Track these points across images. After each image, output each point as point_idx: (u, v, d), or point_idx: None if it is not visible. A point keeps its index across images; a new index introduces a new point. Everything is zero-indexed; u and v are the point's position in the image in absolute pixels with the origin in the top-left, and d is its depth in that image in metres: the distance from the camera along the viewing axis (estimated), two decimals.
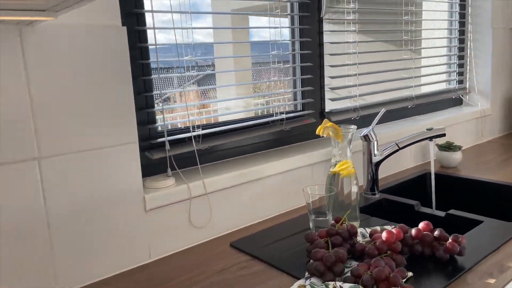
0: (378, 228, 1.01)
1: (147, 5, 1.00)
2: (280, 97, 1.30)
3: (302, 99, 1.38)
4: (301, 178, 1.24)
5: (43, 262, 0.82)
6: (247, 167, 1.13)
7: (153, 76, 1.03)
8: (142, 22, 1.00)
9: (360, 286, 0.74)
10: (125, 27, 0.88)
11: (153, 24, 0.98)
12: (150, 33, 1.01)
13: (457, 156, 1.58)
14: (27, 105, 0.78)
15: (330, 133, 1.05)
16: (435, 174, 1.38)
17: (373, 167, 1.27)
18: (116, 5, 0.87)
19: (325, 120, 1.07)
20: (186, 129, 1.10)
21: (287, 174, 1.21)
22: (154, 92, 1.03)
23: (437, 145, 1.60)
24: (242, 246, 1.00)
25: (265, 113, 1.32)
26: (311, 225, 1.02)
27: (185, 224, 1.02)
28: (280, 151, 1.28)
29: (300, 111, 1.38)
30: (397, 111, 1.70)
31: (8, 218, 0.77)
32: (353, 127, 1.07)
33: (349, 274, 0.80)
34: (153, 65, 1.03)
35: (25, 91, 0.77)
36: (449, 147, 1.59)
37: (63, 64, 0.81)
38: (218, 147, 1.17)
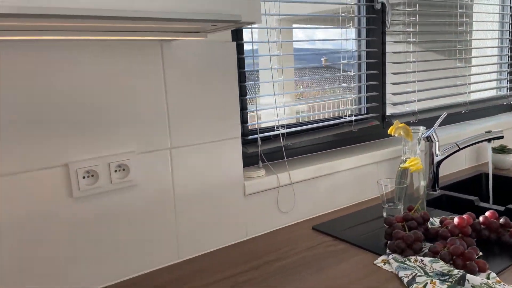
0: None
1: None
2: (347, 100, 1.46)
3: (366, 104, 1.53)
4: (367, 174, 1.39)
5: (169, 235, 1.01)
6: (322, 162, 1.29)
7: (249, 82, 1.20)
8: (241, 36, 1.19)
9: (439, 259, 0.88)
10: (234, 42, 1.06)
11: (251, 38, 1.16)
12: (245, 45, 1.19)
13: (510, 158, 1.68)
14: (164, 106, 0.97)
15: (402, 133, 1.19)
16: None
17: (435, 166, 1.40)
18: None
19: (396, 121, 1.21)
20: (271, 128, 1.27)
21: (355, 170, 1.36)
22: (248, 96, 1.21)
23: (491, 148, 1.71)
24: (323, 229, 1.16)
25: (335, 115, 1.48)
26: (384, 213, 1.17)
27: (274, 209, 1.19)
28: (349, 149, 1.44)
29: (364, 114, 1.53)
30: (452, 116, 1.82)
31: (146, 196, 0.96)
32: (422, 127, 1.21)
33: (427, 251, 0.94)
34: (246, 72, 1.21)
35: (163, 95, 0.97)
36: (502, 150, 1.69)
37: (189, 72, 1.00)
38: (298, 144, 1.34)
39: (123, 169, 0.92)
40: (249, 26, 1.15)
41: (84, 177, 0.87)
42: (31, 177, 0.81)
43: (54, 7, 0.56)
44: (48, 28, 0.67)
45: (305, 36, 1.59)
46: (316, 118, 1.43)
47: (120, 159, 0.91)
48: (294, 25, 1.39)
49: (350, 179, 1.35)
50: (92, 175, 0.88)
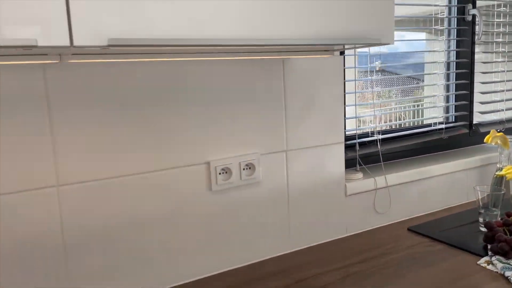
0: None
1: None
2: (433, 108, 1.52)
3: (454, 112, 1.58)
4: (457, 180, 1.44)
5: (283, 227, 1.13)
6: (415, 167, 1.36)
7: (350, 92, 1.31)
8: None
9: None
10: (342, 56, 1.17)
11: (355, 51, 1.26)
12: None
13: None
14: (283, 114, 1.10)
15: (498, 142, 1.24)
16: None
17: None
18: None
19: (493, 130, 1.26)
20: (365, 134, 1.37)
21: (446, 176, 1.42)
22: (349, 105, 1.32)
23: None
24: (419, 230, 1.23)
25: (421, 123, 1.54)
26: (480, 218, 1.22)
27: (371, 209, 1.29)
28: (438, 156, 1.50)
29: (452, 122, 1.58)
30: None
31: (266, 192, 1.10)
32: None
33: None
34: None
35: (282, 104, 1.10)
36: None
37: (303, 83, 1.12)
38: (392, 149, 1.42)
39: (249, 168, 1.06)
40: None
41: (220, 173, 1.02)
42: (184, 171, 0.97)
43: (214, 38, 0.68)
44: (192, 51, 0.80)
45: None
46: (407, 125, 1.51)
47: (248, 159, 1.05)
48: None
49: (441, 184, 1.41)
50: (226, 172, 1.03)
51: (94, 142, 0.86)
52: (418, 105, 1.69)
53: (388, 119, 1.66)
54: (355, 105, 1.29)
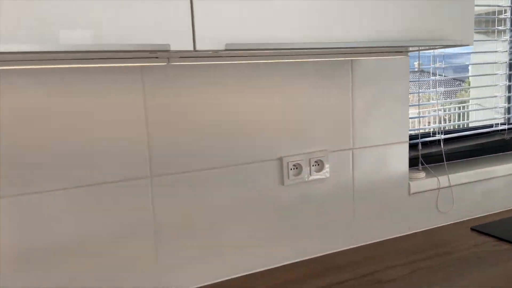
0: None
1: None
2: (494, 108, 1.50)
3: None
4: None
5: (348, 223, 1.17)
6: (477, 167, 1.36)
7: (414, 92, 1.33)
8: None
9: None
10: (408, 56, 1.20)
11: (419, 52, 1.29)
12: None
13: None
14: (350, 114, 1.14)
15: None
16: None
17: None
18: None
19: None
20: (427, 134, 1.38)
21: (509, 177, 1.40)
22: (411, 104, 1.34)
23: None
24: (484, 230, 1.23)
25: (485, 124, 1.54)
26: None
27: (433, 208, 1.30)
28: (500, 157, 1.49)
29: None
30: None
31: (332, 188, 1.14)
32: None
33: None
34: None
35: (349, 105, 1.14)
36: None
37: (370, 83, 1.16)
38: (453, 149, 1.43)
39: (318, 164, 1.11)
40: None
41: (291, 169, 1.07)
42: (259, 166, 1.04)
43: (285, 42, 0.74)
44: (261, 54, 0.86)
45: None
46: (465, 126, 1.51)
47: (318, 155, 1.10)
48: None
49: (504, 185, 1.40)
50: (297, 168, 1.08)
51: (187, 139, 0.93)
52: (467, 107, 1.68)
53: (447, 119, 1.66)
54: (418, 104, 1.31)
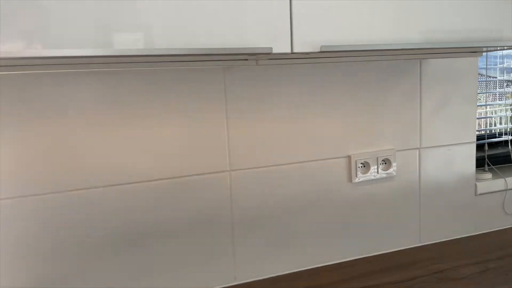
0: None
1: None
2: None
3: None
4: None
5: (413, 221, 1.18)
6: None
7: (481, 92, 1.31)
8: None
9: None
10: (478, 57, 1.19)
11: (486, 56, 1.27)
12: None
13: None
14: (418, 112, 1.15)
15: None
16: None
17: None
18: None
19: None
20: (493, 134, 1.36)
21: None
22: (479, 104, 1.32)
23: None
24: None
25: None
26: None
27: (500, 210, 1.28)
28: None
29: None
30: None
31: (399, 186, 1.16)
32: None
33: None
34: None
35: (417, 104, 1.15)
36: None
37: (438, 83, 1.16)
38: None
39: (385, 163, 1.13)
40: None
41: (359, 167, 1.10)
42: (328, 163, 1.07)
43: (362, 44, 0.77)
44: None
45: None
46: None
47: (385, 154, 1.12)
48: None
49: None
50: (364, 166, 1.11)
51: (263, 136, 0.99)
52: None
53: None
54: (486, 104, 1.30)
